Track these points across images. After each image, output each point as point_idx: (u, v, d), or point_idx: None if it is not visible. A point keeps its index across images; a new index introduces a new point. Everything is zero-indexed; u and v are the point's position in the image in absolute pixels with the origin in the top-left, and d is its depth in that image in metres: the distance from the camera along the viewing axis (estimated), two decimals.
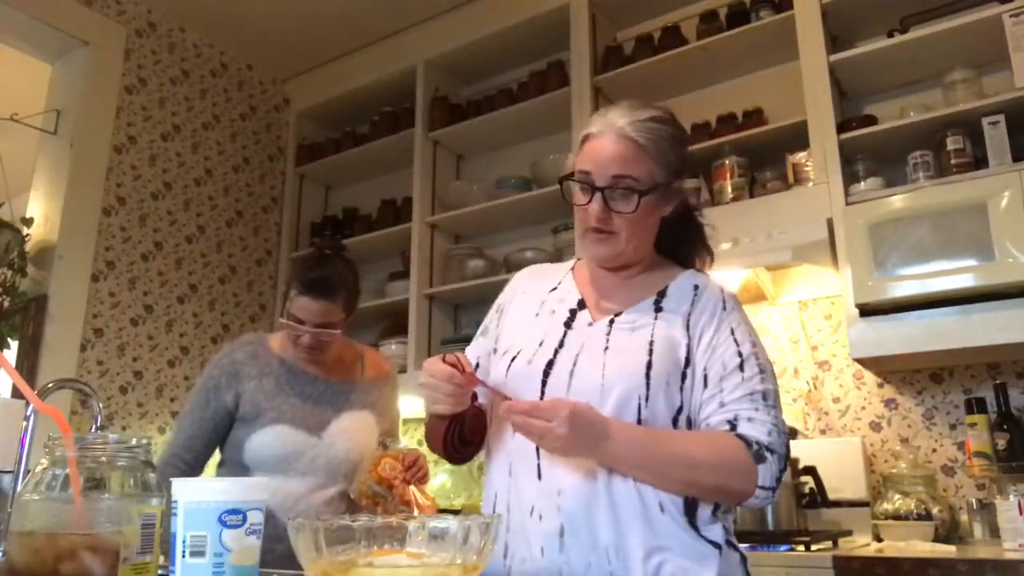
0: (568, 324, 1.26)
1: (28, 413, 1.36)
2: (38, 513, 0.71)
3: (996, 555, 1.85)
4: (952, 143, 2.28)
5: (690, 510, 1.13)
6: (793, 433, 2.51)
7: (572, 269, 1.37)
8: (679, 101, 2.94)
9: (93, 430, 1.58)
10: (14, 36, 3.14)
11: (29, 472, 0.98)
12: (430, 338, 3.23)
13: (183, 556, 0.78)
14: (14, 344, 2.88)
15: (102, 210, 3.12)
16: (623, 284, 1.29)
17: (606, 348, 1.20)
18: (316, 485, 1.83)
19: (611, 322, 1.24)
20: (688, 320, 1.22)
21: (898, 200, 2.21)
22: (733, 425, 1.14)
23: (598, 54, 3.03)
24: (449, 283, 3.24)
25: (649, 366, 1.16)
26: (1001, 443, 2.15)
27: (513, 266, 2.91)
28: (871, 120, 2.45)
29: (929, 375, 2.43)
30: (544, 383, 1.19)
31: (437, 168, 3.45)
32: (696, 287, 1.27)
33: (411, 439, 3.28)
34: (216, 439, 1.87)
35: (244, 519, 0.79)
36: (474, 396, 1.22)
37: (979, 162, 2.24)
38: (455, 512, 2.81)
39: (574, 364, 1.19)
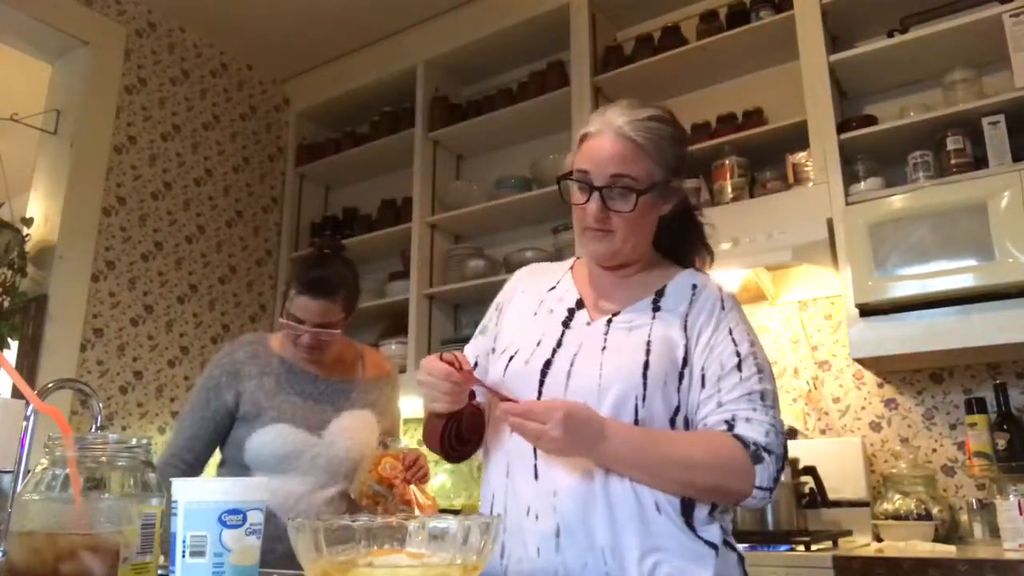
0: (566, 323, 1.26)
1: (28, 413, 1.36)
2: (38, 513, 0.71)
3: (996, 555, 1.85)
4: (952, 143, 2.28)
5: (687, 510, 1.13)
6: (793, 433, 2.51)
7: (571, 268, 1.37)
8: (679, 101, 2.94)
9: (93, 430, 1.58)
10: (14, 36, 3.14)
11: (29, 472, 0.98)
12: (430, 338, 3.23)
13: (183, 556, 0.78)
14: (14, 344, 2.89)
15: (102, 210, 3.12)
16: (621, 283, 1.29)
17: (603, 348, 1.20)
18: (316, 484, 1.83)
19: (609, 322, 1.24)
20: (686, 320, 1.22)
21: (898, 200, 2.21)
22: (731, 425, 1.14)
23: (598, 54, 3.03)
24: (449, 283, 3.24)
25: (646, 366, 1.16)
26: (1001, 443, 2.15)
27: (513, 266, 2.91)
28: (871, 120, 2.45)
29: (929, 375, 2.43)
30: (541, 383, 1.19)
31: (437, 168, 3.45)
32: (694, 286, 1.27)
33: (411, 439, 3.28)
34: (216, 439, 1.87)
35: (244, 519, 0.80)
36: (472, 394, 1.21)
37: (979, 162, 2.24)
38: (455, 512, 2.81)
39: (571, 364, 1.19)
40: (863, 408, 2.51)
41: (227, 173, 3.67)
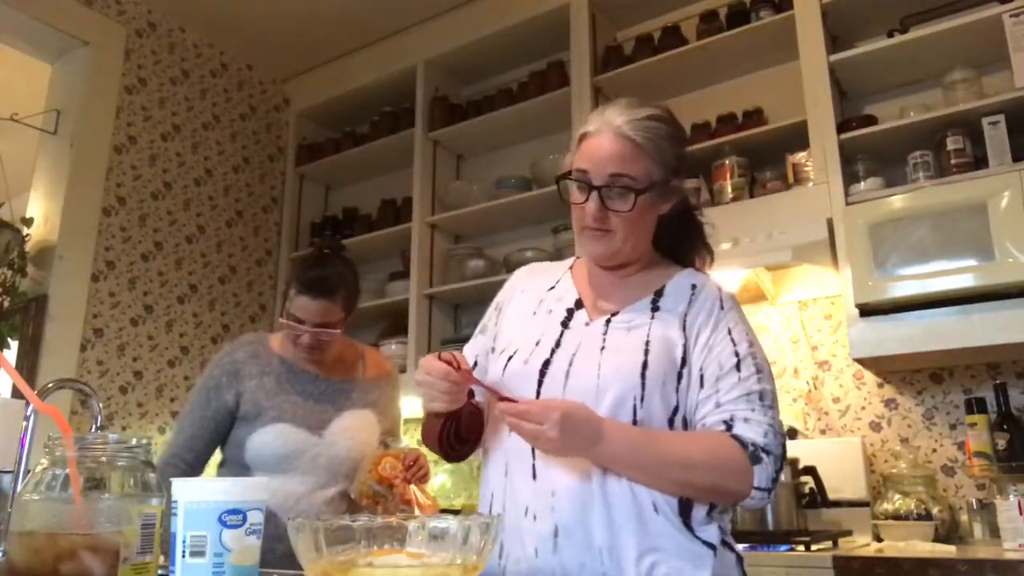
0: (565, 323, 1.26)
1: (28, 413, 1.36)
2: (38, 513, 0.71)
3: (996, 555, 1.85)
4: (952, 143, 2.28)
5: (685, 511, 1.13)
6: (793, 433, 2.51)
7: (571, 268, 1.37)
8: (679, 101, 2.94)
9: (93, 430, 1.58)
10: (14, 36, 3.14)
11: (29, 472, 0.98)
12: (430, 338, 3.23)
13: (183, 556, 0.78)
14: (14, 344, 2.89)
15: (102, 210, 3.12)
16: (620, 283, 1.28)
17: (602, 348, 1.20)
18: (317, 484, 1.83)
19: (607, 322, 1.23)
20: (685, 320, 1.22)
21: (898, 200, 2.21)
22: (729, 425, 1.14)
23: (598, 54, 3.03)
24: (449, 283, 3.24)
25: (645, 366, 1.15)
26: (1001, 443, 2.15)
27: (513, 266, 2.89)
28: (871, 120, 2.45)
29: (929, 375, 2.43)
30: (540, 383, 1.19)
31: (437, 168, 3.45)
32: (694, 286, 1.26)
33: (411, 439, 3.28)
34: (217, 439, 1.87)
35: (244, 519, 0.80)
36: (471, 394, 1.21)
37: (979, 162, 2.24)
38: (455, 512, 2.81)
39: (570, 364, 1.19)
40: (863, 408, 2.51)
41: (227, 173, 3.67)
